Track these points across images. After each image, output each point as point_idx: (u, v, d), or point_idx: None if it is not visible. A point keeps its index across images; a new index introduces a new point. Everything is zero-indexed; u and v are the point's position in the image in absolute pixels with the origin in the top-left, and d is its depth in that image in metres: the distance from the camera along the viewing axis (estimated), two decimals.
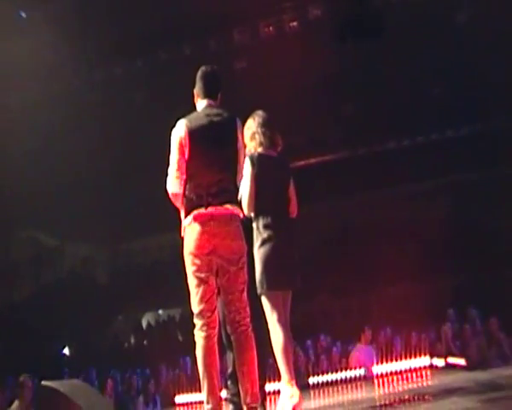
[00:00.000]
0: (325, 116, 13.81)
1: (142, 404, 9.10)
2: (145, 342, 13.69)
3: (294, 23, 11.73)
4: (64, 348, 13.22)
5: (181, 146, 3.56)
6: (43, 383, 5.74)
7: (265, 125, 4.13)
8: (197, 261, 3.50)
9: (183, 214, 3.65)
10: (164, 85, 12.52)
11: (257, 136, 4.14)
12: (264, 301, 3.99)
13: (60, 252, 16.60)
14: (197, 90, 3.80)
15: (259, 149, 4.12)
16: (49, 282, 15.70)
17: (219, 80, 3.84)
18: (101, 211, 14.51)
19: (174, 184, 3.59)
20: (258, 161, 4.06)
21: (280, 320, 3.92)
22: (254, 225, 4.06)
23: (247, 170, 4.00)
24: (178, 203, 3.65)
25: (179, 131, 3.58)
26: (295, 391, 3.82)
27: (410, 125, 14.46)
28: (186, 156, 3.55)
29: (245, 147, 4.04)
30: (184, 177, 3.56)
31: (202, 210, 3.50)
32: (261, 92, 10.75)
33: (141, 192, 14.39)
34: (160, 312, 15.94)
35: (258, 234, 4.02)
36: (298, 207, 4.21)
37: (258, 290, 3.98)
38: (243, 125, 4.00)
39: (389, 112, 13.71)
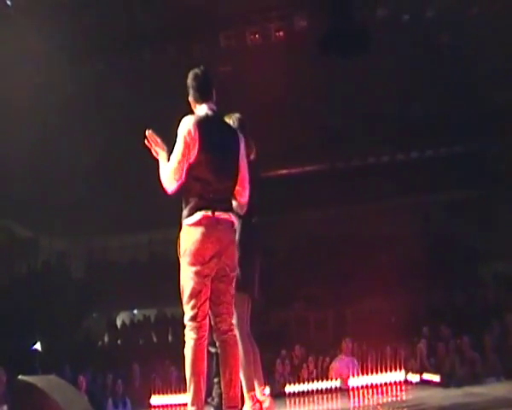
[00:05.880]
0: (306, 127, 13.95)
1: (112, 405, 9.02)
2: (119, 341, 13.60)
3: (280, 33, 11.85)
4: (35, 343, 12.99)
5: (187, 146, 3.48)
6: (19, 377, 5.65)
7: (241, 129, 4.13)
8: (199, 264, 3.45)
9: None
10: (147, 85, 12.51)
11: None
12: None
13: (34, 244, 16.34)
14: (193, 96, 3.71)
15: None
16: (22, 274, 15.45)
17: (212, 79, 3.79)
18: (79, 205, 14.39)
19: (170, 184, 3.54)
20: None
21: (244, 329, 4.00)
22: None
23: None
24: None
25: (189, 128, 3.50)
26: (255, 402, 3.91)
27: (390, 141, 14.69)
28: (193, 155, 3.48)
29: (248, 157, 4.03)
30: (183, 179, 3.49)
31: (209, 213, 3.47)
32: (243, 98, 10.82)
33: (120, 189, 14.31)
34: (135, 312, 15.81)
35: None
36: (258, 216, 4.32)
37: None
38: None
39: (370, 127, 13.92)
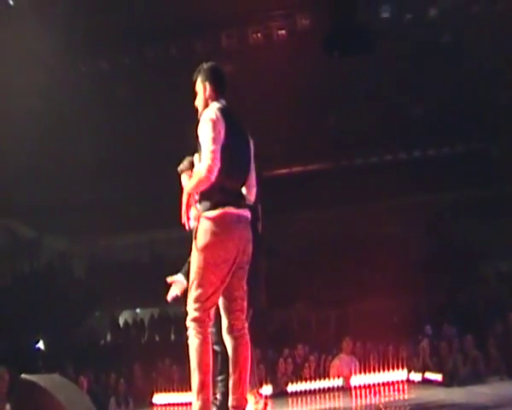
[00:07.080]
0: (308, 126, 13.96)
1: (115, 404, 9.03)
2: (121, 340, 13.60)
3: (283, 31, 11.85)
4: (38, 342, 13.04)
5: (216, 126, 3.28)
6: (22, 376, 5.65)
7: None
8: (219, 263, 3.30)
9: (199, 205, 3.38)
10: (149, 84, 12.52)
11: None
12: None
13: (37, 244, 16.39)
14: (212, 88, 3.52)
15: None
16: (25, 274, 15.49)
17: (225, 75, 3.69)
18: (81, 205, 14.42)
19: (211, 170, 3.20)
20: None
21: None
22: None
23: None
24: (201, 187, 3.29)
25: (214, 111, 3.36)
26: (259, 400, 3.94)
27: (393, 141, 14.69)
28: (221, 140, 3.28)
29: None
30: (219, 165, 3.23)
31: (233, 209, 3.32)
32: (246, 97, 10.83)
33: (122, 189, 14.34)
34: (138, 310, 15.85)
35: None
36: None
37: None
38: None
39: (372, 126, 13.92)
